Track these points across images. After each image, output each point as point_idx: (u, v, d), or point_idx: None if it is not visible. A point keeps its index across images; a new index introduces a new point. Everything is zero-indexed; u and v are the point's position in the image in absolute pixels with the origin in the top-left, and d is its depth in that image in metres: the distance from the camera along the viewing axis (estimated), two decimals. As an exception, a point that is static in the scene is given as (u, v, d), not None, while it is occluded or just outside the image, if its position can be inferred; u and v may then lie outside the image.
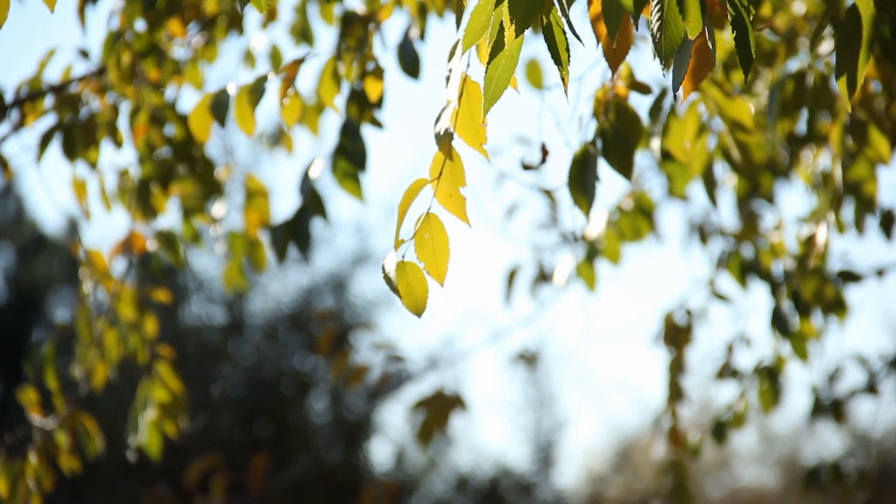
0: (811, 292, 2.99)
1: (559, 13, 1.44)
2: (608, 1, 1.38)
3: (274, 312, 10.92)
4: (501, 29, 1.42)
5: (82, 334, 3.12)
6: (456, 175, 1.58)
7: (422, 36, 2.55)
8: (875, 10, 1.47)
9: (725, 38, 2.41)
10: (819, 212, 2.77)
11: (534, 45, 4.48)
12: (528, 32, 2.31)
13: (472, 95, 1.56)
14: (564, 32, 1.45)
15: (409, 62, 2.53)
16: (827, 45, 2.49)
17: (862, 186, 2.41)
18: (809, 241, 2.83)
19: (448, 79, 1.58)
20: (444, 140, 1.57)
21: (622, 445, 14.10)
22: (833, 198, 2.57)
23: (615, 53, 1.65)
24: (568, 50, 1.46)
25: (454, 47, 1.59)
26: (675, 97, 1.47)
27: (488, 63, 1.44)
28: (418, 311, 1.57)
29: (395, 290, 1.56)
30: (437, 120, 1.59)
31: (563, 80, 1.47)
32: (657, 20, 1.37)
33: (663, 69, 1.38)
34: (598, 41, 1.66)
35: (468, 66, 1.56)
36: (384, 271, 1.56)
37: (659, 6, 1.37)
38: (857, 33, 1.47)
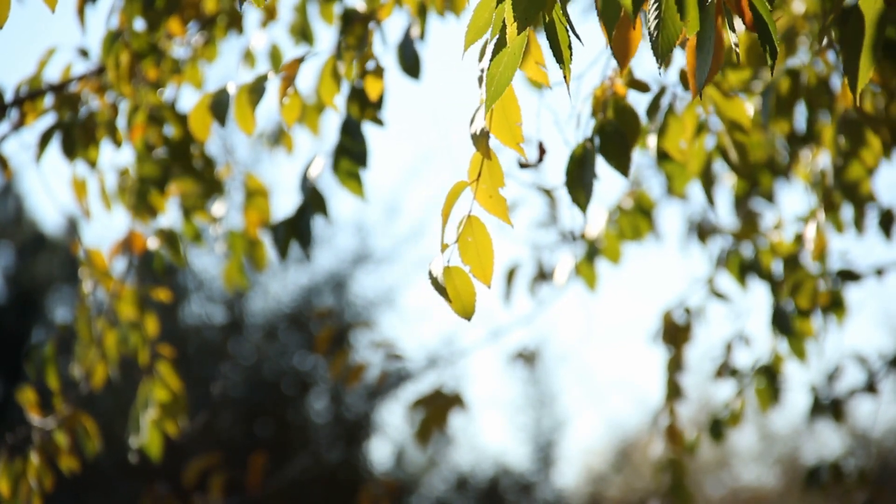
0: (808, 293, 2.99)
1: (561, 11, 1.43)
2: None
3: (274, 312, 10.92)
4: (504, 27, 1.42)
5: (82, 334, 3.12)
6: (495, 176, 1.57)
7: (422, 36, 2.55)
8: (884, 6, 1.45)
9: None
10: (816, 211, 2.77)
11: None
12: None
13: (506, 95, 1.55)
14: (566, 30, 1.45)
15: (410, 62, 2.53)
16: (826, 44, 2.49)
17: (856, 186, 2.41)
18: (799, 239, 2.83)
19: (481, 79, 1.57)
20: (481, 140, 1.56)
21: (622, 444, 14.11)
22: (824, 196, 2.57)
23: (622, 50, 1.64)
24: (570, 47, 1.45)
25: (484, 47, 1.58)
26: (699, 94, 1.46)
27: (490, 60, 1.44)
28: (467, 315, 1.56)
29: (444, 295, 1.55)
30: (472, 121, 1.58)
31: (564, 77, 1.47)
32: (655, 18, 1.37)
33: (660, 68, 1.38)
34: (607, 39, 1.65)
35: None
36: (432, 277, 1.55)
37: (657, 4, 1.37)
38: (860, 34, 1.46)
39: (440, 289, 1.55)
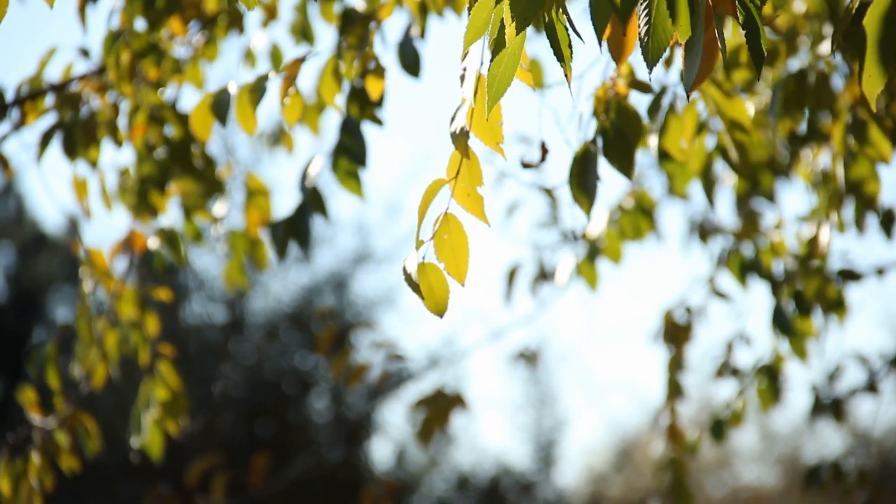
0: (813, 292, 2.99)
1: (560, 10, 1.43)
2: (596, 1, 1.39)
3: (275, 311, 10.92)
4: (503, 27, 1.42)
5: (83, 334, 3.12)
6: (473, 174, 1.57)
7: (422, 34, 2.55)
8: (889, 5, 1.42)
9: (725, 36, 2.40)
10: (819, 211, 2.77)
11: (534, 45, 4.49)
12: (529, 31, 2.31)
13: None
14: (566, 29, 1.44)
15: (410, 61, 2.53)
16: (827, 45, 2.49)
17: (863, 185, 2.41)
18: (812, 242, 2.82)
19: (462, 78, 1.57)
20: (460, 139, 1.56)
21: (623, 444, 14.11)
22: (834, 197, 2.57)
23: (618, 49, 1.63)
24: (570, 46, 1.45)
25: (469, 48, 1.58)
26: (687, 96, 1.46)
27: (490, 61, 1.44)
28: (440, 312, 1.56)
29: (417, 291, 1.55)
30: (453, 119, 1.58)
31: (566, 76, 1.46)
32: (645, 24, 1.37)
33: (650, 72, 1.38)
34: (599, 41, 1.65)
35: (482, 64, 1.55)
36: (405, 273, 1.56)
37: (647, 9, 1.36)
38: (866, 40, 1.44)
39: (413, 285, 1.55)
